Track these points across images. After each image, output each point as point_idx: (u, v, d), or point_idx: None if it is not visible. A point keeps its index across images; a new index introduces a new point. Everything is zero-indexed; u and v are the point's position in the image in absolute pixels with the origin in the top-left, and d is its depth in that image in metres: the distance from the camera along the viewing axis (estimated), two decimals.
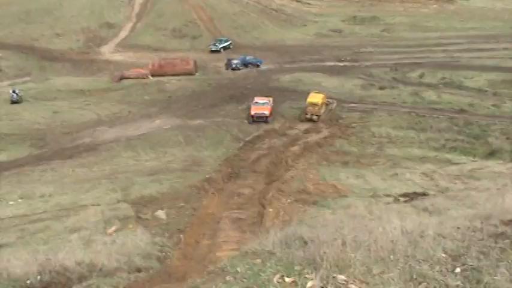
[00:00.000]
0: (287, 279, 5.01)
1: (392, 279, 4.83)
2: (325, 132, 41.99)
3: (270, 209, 25.06)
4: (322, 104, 44.55)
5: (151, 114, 46.96)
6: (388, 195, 26.88)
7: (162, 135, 41.77)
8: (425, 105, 47.62)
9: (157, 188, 29.42)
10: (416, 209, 21.19)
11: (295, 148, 38.33)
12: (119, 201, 27.23)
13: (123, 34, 73.60)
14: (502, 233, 6.30)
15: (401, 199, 25.39)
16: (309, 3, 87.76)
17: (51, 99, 51.33)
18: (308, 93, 45.69)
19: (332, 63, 61.19)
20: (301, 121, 44.20)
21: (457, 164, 35.54)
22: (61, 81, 55.99)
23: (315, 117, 43.81)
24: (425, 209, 20.76)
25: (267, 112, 43.68)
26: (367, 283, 4.82)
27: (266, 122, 43.47)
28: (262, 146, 39.29)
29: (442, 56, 61.89)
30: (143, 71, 57.14)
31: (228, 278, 5.20)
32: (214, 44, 67.56)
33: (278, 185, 29.71)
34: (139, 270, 13.68)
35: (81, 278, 10.08)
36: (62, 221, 24.71)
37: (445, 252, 5.50)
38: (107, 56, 65.72)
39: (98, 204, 26.76)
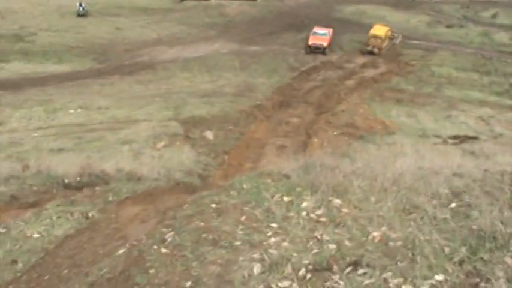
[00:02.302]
0: (285, 199, 5.28)
1: (386, 208, 4.98)
2: (382, 68, 40.89)
3: (315, 139, 25.20)
4: (385, 37, 43.18)
5: (210, 37, 47.06)
6: (437, 136, 26.34)
7: (219, 58, 41.94)
8: (494, 48, 45.22)
9: (208, 109, 29.97)
10: (464, 151, 20.76)
11: (350, 82, 37.69)
12: (170, 119, 28.02)
13: None
14: None
15: (451, 141, 24.85)
16: None
17: (115, 15, 52.10)
18: (371, 26, 44.33)
19: None
20: (362, 53, 43.22)
21: None
22: None
23: (375, 50, 42.62)
24: (472, 152, 20.31)
25: (325, 43, 42.77)
26: (360, 209, 5.00)
27: (323, 53, 42.66)
28: (317, 77, 38.82)
29: None
30: None
31: (232, 192, 5.53)
32: None
33: (327, 117, 29.62)
34: (177, 184, 14.32)
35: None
36: (115, 133, 25.83)
37: (450, 189, 5.56)
38: None
39: (150, 120, 27.68)
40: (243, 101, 32.25)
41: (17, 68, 38.98)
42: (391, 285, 3.69)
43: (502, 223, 4.18)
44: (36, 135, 25.18)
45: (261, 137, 27.01)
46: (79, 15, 50.70)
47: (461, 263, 3.91)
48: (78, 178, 8.90)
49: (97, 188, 7.99)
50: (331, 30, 44.37)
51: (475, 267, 3.82)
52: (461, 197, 5.28)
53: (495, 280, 3.62)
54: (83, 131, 26.14)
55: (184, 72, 39.09)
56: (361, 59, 42.50)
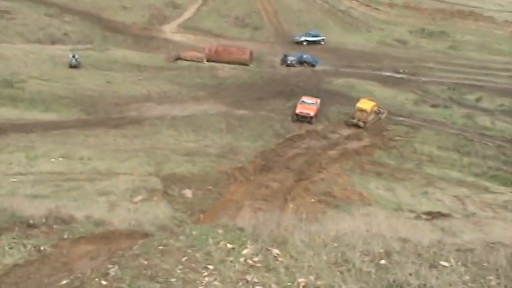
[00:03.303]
0: (229, 245, 5.58)
1: (319, 260, 5.28)
2: (366, 141, 41.75)
3: (291, 205, 25.53)
4: (371, 111, 44.27)
5: (200, 98, 48.00)
6: (412, 211, 26.79)
7: (206, 119, 42.64)
8: (476, 130, 46.44)
9: (189, 168, 30.39)
10: (434, 227, 21.16)
11: (333, 152, 38.40)
12: (150, 174, 28.36)
13: (186, 15, 73.92)
14: (466, 250, 6.58)
15: (424, 216, 25.28)
16: (378, 9, 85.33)
17: (107, 69, 53.02)
18: (358, 100, 45.60)
19: (389, 74, 60.26)
20: (347, 125, 44.10)
21: (494, 193, 34.68)
22: (120, 53, 57.62)
23: (361, 124, 43.55)
24: (442, 229, 20.70)
25: (312, 113, 43.66)
26: (296, 259, 5.30)
27: (310, 122, 43.44)
28: (301, 145, 39.52)
29: (505, 82, 59.81)
30: (199, 55, 57.99)
31: (181, 237, 5.83)
32: (300, 35, 67.36)
33: (306, 184, 30.09)
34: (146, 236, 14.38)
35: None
36: (94, 184, 26.07)
37: (385, 249, 5.89)
38: (167, 35, 66.96)
39: (131, 174, 28.00)
40: (225, 162, 32.73)
41: (3, 113, 39.27)
42: None
43: (410, 274, 4.51)
44: (14, 180, 25.29)
45: (239, 199, 27.30)
46: (71, 66, 51.19)
47: None
48: (43, 220, 9.08)
49: (55, 226, 8.20)
50: (319, 100, 45.40)
51: None
52: (392, 256, 5.61)
53: None
54: (62, 179, 26.32)
55: (170, 130, 39.64)
56: (346, 131, 43.37)
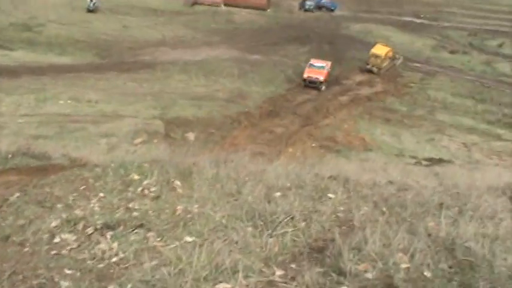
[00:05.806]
0: (136, 177, 5.82)
1: (215, 191, 5.46)
2: (378, 87, 41.14)
3: (290, 149, 25.67)
4: (385, 57, 43.41)
5: (214, 43, 47.74)
6: (413, 157, 26.69)
7: (218, 64, 42.49)
8: (495, 77, 45.28)
9: (195, 112, 30.65)
10: (429, 172, 21.07)
11: (344, 98, 38.00)
12: (154, 118, 28.74)
13: None
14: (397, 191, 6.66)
15: (424, 162, 25.19)
16: None
17: (124, 14, 53.09)
18: (373, 45, 44.72)
19: (409, 19, 58.87)
20: (361, 71, 43.48)
21: (506, 140, 34.16)
22: None
23: (374, 69, 42.82)
24: (436, 174, 20.61)
25: (321, 77, 38.44)
26: (194, 190, 5.49)
27: (319, 88, 38.37)
28: (312, 91, 39.16)
29: None
30: None
31: (97, 169, 6.10)
32: None
33: (310, 129, 30.09)
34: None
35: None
36: (98, 126, 26.64)
37: (290, 183, 6.02)
38: None
39: (135, 117, 28.43)
40: (232, 107, 32.83)
41: (19, 56, 39.91)
42: (148, 241, 4.24)
43: (274, 204, 4.66)
44: (21, 121, 25.99)
45: (241, 143, 27.51)
46: (89, 10, 51.72)
47: (216, 230, 4.42)
48: (9, 156, 9.43)
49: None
50: (329, 63, 40.35)
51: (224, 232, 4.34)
52: (291, 190, 5.74)
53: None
54: (67, 121, 26.93)
55: (182, 75, 39.71)
56: (359, 77, 42.76)
